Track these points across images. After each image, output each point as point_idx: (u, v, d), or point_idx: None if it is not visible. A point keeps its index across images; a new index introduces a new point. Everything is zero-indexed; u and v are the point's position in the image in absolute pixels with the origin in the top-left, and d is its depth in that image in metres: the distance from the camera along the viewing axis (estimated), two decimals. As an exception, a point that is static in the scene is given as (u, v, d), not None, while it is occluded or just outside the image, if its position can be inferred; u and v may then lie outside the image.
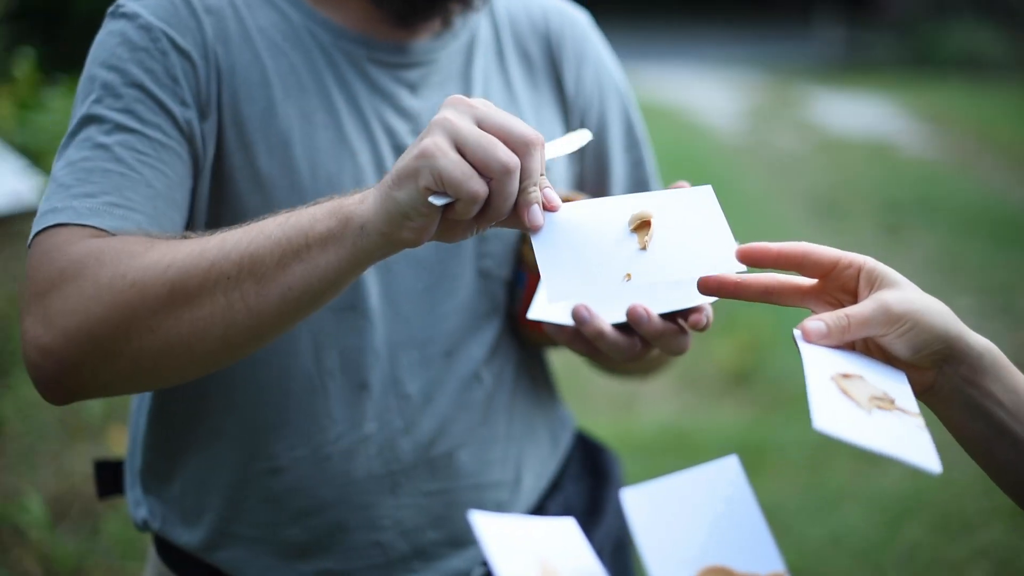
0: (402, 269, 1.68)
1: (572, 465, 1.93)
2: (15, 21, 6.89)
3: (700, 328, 1.46)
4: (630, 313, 1.47)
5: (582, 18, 1.93)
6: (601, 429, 4.60)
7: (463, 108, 1.27)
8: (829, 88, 16.72)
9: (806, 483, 4.72)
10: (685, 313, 1.50)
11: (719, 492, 1.17)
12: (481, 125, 1.26)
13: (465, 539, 1.74)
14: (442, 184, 1.24)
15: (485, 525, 1.11)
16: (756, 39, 22.26)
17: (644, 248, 1.26)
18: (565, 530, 1.18)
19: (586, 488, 1.91)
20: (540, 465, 1.85)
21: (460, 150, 1.24)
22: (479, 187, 1.24)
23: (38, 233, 1.48)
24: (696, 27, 23.73)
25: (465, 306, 1.73)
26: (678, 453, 4.90)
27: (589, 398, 5.42)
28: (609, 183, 1.89)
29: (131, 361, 1.41)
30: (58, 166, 1.52)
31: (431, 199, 1.25)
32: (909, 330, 1.18)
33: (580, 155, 1.86)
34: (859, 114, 14.62)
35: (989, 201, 9.90)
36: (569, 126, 1.85)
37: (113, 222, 1.46)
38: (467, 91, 1.75)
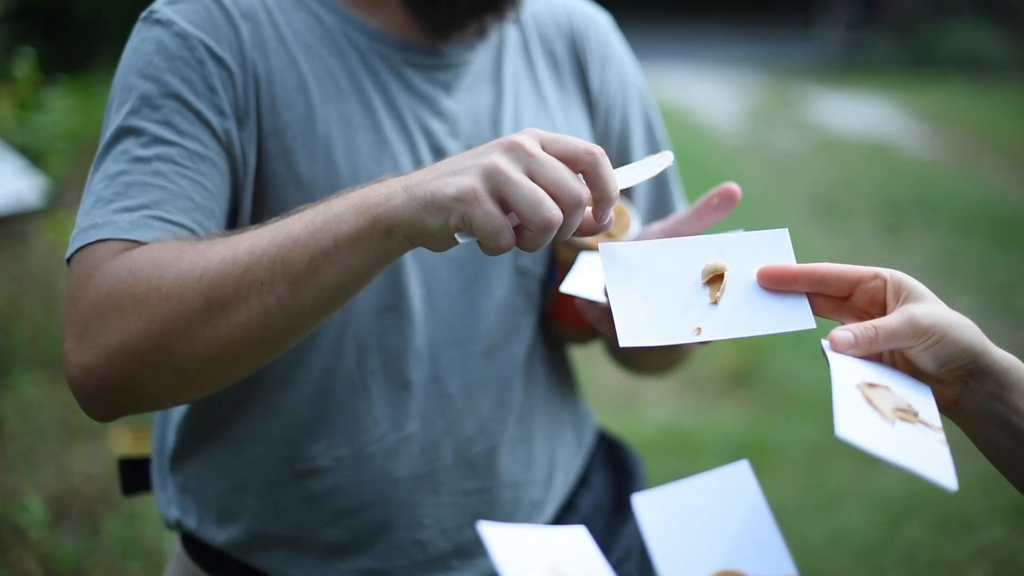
0: (441, 268, 1.68)
1: (597, 463, 1.95)
2: (15, 21, 6.88)
3: None
4: None
5: (604, 19, 1.94)
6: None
7: (518, 155, 1.24)
8: (829, 88, 16.72)
9: (806, 483, 4.72)
10: None
11: (730, 497, 1.17)
12: (533, 176, 1.23)
13: None
14: (471, 230, 1.24)
15: (493, 535, 1.10)
16: (756, 39, 22.26)
17: (715, 303, 1.26)
18: (576, 539, 1.17)
19: (610, 484, 1.93)
20: (568, 463, 1.86)
21: (502, 200, 1.23)
22: (507, 242, 1.24)
23: (79, 249, 1.46)
24: (696, 27, 23.72)
25: (503, 304, 1.74)
26: (679, 453, 4.90)
27: (590, 398, 5.39)
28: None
29: (174, 373, 1.41)
30: (95, 179, 1.51)
31: (457, 235, 1.26)
32: (935, 343, 1.18)
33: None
34: (859, 114, 14.61)
35: (989, 201, 9.90)
36: (595, 125, 1.87)
37: (152, 235, 1.45)
38: (498, 93, 1.76)
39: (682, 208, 1.92)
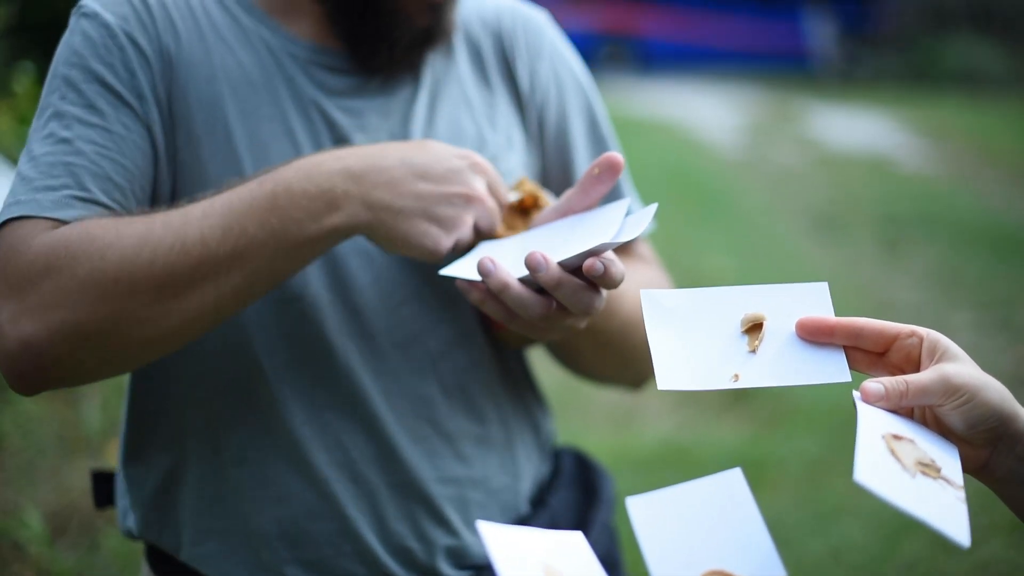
0: (350, 260, 1.68)
1: (562, 484, 1.91)
2: (15, 36, 6.89)
3: (597, 275, 1.41)
4: (528, 260, 1.43)
5: (538, 15, 1.92)
6: (600, 445, 4.59)
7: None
8: (828, 103, 16.76)
9: (805, 497, 4.72)
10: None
11: (723, 502, 1.19)
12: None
13: (429, 533, 1.73)
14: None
15: (491, 533, 1.12)
16: (755, 53, 22.30)
17: (754, 351, 1.27)
18: (573, 543, 1.18)
19: (576, 507, 1.89)
20: (513, 467, 1.83)
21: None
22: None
23: (1, 227, 1.51)
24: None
25: (416, 298, 1.72)
26: (678, 468, 4.89)
27: (588, 414, 5.42)
28: (574, 179, 1.86)
29: (117, 351, 1.49)
30: (23, 161, 1.57)
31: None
32: (965, 403, 1.18)
33: (541, 149, 1.86)
34: (858, 129, 14.65)
35: (988, 215, 9.92)
36: (526, 123, 1.85)
37: (74, 213, 1.51)
38: (413, 92, 1.76)
39: (627, 186, 1.90)
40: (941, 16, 21.01)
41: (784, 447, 5.18)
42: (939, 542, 4.27)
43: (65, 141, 1.56)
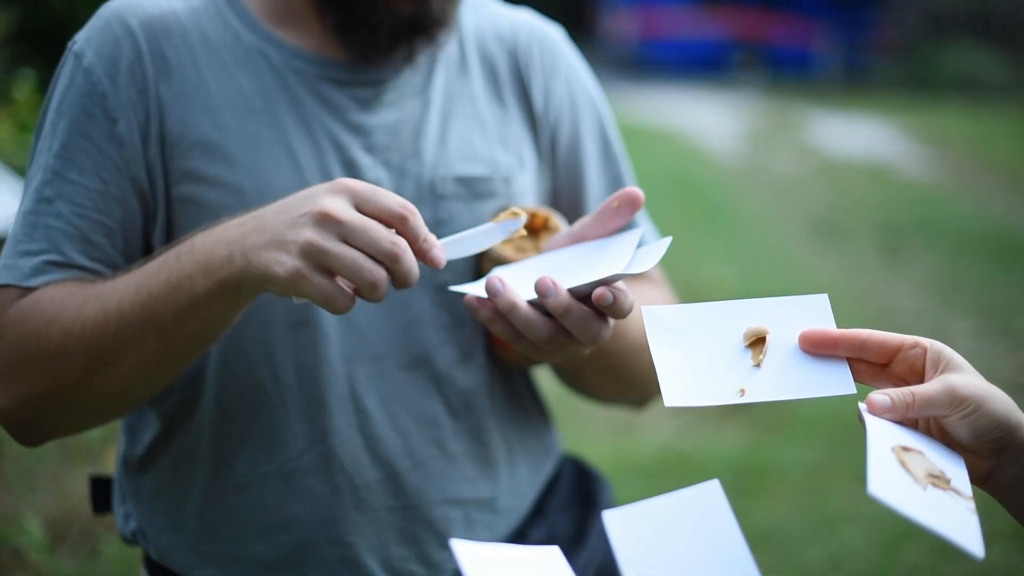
0: None
1: (561, 492, 1.91)
2: (15, 43, 6.89)
3: (606, 305, 1.40)
4: (538, 285, 1.43)
5: (554, 33, 1.91)
6: (600, 452, 4.59)
7: (329, 227, 1.33)
8: (828, 110, 16.76)
9: (806, 505, 4.71)
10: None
11: (701, 515, 1.18)
12: (348, 242, 1.32)
13: (434, 556, 1.73)
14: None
15: (465, 552, 1.11)
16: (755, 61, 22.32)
17: (758, 365, 1.27)
18: (549, 558, 1.18)
19: (574, 516, 1.89)
20: (517, 486, 1.82)
21: (328, 270, 1.33)
22: (344, 305, 1.35)
23: None
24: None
25: (422, 320, 1.72)
26: (677, 475, 4.89)
27: (588, 422, 5.41)
28: (585, 200, 1.86)
29: (78, 412, 1.59)
30: (18, 210, 1.63)
31: (293, 299, 1.40)
32: (971, 413, 1.18)
33: (552, 168, 1.85)
34: (858, 136, 14.65)
35: (988, 223, 9.93)
36: (539, 142, 1.84)
37: (47, 278, 1.57)
38: (424, 108, 1.75)
39: (641, 214, 1.88)
40: (941, 24, 21.05)
41: (784, 454, 5.17)
42: (940, 549, 4.27)
43: (45, 200, 1.60)
